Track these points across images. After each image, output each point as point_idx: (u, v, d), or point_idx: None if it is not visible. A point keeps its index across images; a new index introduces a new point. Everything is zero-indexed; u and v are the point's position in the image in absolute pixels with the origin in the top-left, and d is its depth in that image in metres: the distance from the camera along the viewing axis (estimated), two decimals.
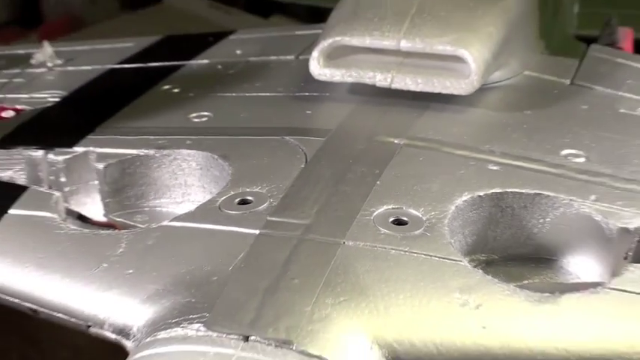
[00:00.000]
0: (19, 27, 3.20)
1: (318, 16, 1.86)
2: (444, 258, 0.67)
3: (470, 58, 0.86)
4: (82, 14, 3.19)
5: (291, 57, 1.03)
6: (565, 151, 0.81)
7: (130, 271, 0.69)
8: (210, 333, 0.60)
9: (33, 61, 1.08)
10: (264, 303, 0.62)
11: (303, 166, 0.79)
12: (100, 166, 0.85)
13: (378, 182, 0.76)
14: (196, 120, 0.91)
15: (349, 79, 0.90)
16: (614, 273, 0.68)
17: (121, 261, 0.71)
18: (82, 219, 0.83)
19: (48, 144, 0.87)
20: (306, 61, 0.91)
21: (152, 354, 0.61)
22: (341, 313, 0.62)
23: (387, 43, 0.89)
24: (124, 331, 0.67)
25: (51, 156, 0.86)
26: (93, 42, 1.17)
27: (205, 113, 0.92)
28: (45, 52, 1.07)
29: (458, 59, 0.87)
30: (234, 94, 0.96)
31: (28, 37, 2.54)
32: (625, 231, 0.71)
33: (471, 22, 0.90)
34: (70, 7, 3.27)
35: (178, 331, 0.61)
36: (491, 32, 0.90)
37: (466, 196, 0.74)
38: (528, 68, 0.96)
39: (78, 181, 0.86)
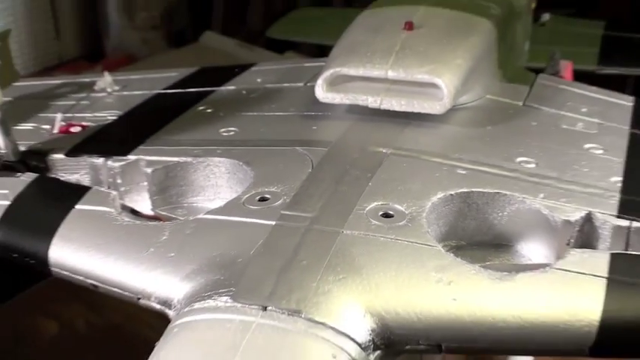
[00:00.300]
0: (87, 61, 3.22)
1: (322, 52, 1.87)
2: (422, 244, 0.67)
3: (443, 84, 0.86)
4: (136, 51, 3.20)
5: (300, 84, 1.03)
6: (519, 159, 0.81)
7: (172, 255, 0.69)
8: (235, 304, 0.60)
9: (96, 88, 1.08)
10: (279, 280, 0.62)
11: (310, 170, 0.78)
12: (149, 170, 0.84)
13: (369, 184, 0.75)
14: (225, 134, 0.90)
15: (347, 101, 0.90)
16: (559, 256, 0.68)
17: (164, 246, 0.70)
18: (134, 213, 0.83)
19: (107, 153, 0.87)
20: (313, 87, 0.91)
21: (189, 321, 0.60)
22: (340, 288, 0.62)
23: (377, 73, 0.88)
24: (166, 303, 0.66)
25: (109, 163, 0.86)
26: (143, 72, 1.17)
27: (232, 128, 0.91)
28: (105, 81, 1.07)
29: (433, 85, 0.87)
30: (255, 113, 0.96)
31: (93, 68, 2.55)
32: (567, 222, 0.71)
33: (443, 56, 0.90)
34: (126, 45, 3.29)
35: (210, 303, 0.61)
36: (460, 64, 0.90)
37: (440, 195, 0.74)
38: (489, 93, 0.96)
39: (131, 182, 0.86)
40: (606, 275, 0.63)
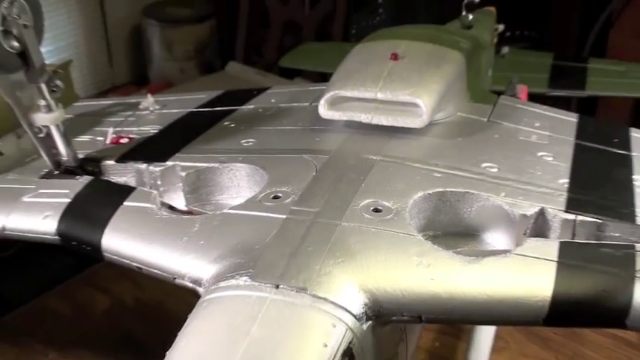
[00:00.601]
0: (135, 86, 3.23)
1: (323, 77, 1.86)
2: (406, 234, 0.66)
3: (422, 104, 0.85)
4: (174, 78, 3.21)
5: (306, 104, 1.02)
6: (484, 164, 0.80)
7: (202, 242, 0.68)
8: (253, 283, 0.59)
9: (141, 107, 1.07)
10: (289, 263, 0.61)
11: (314, 174, 0.77)
12: (183, 174, 0.83)
13: (363, 184, 0.74)
14: (245, 144, 0.89)
15: (344, 118, 0.89)
16: (517, 244, 0.67)
17: (196, 235, 0.69)
18: (171, 208, 0.82)
19: (149, 160, 0.86)
20: (316, 106, 0.90)
21: (216, 296, 0.60)
22: (339, 269, 0.61)
23: (369, 95, 0.88)
24: (197, 281, 0.66)
25: (151, 167, 0.85)
26: (179, 94, 1.16)
27: (251, 140, 0.90)
28: (148, 101, 1.07)
29: (414, 105, 0.86)
30: (269, 127, 0.95)
31: (139, 92, 2.56)
32: (524, 216, 0.70)
33: (423, 81, 0.89)
34: (166, 74, 3.30)
35: (233, 282, 0.60)
36: (436, 87, 0.89)
37: (420, 194, 0.73)
38: (460, 111, 0.95)
39: (169, 183, 0.85)
40: (556, 259, 0.62)
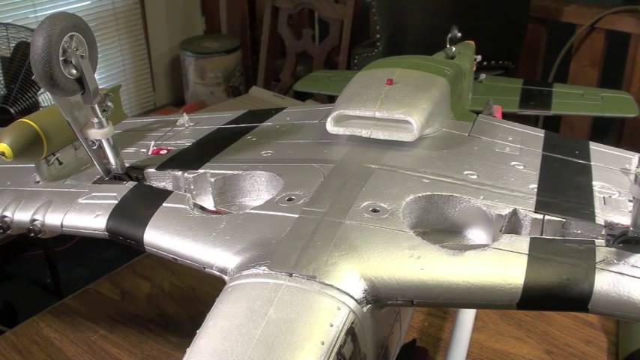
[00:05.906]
0: (173, 106, 3.24)
1: (331, 99, 1.86)
2: (399, 230, 0.65)
3: (413, 121, 0.84)
4: (206, 100, 3.21)
5: (316, 121, 1.01)
6: (465, 172, 0.79)
7: (227, 237, 0.68)
8: (270, 271, 0.58)
9: (177, 124, 1.06)
10: (301, 255, 0.60)
11: (322, 180, 0.77)
12: (212, 180, 0.83)
13: (363, 189, 0.74)
14: (264, 155, 0.89)
15: (347, 133, 0.88)
16: (494, 239, 0.66)
17: (222, 232, 0.69)
18: (202, 209, 0.82)
19: (184, 168, 0.86)
20: (324, 123, 0.89)
21: (239, 283, 0.59)
22: (343, 260, 0.60)
23: (368, 113, 0.87)
24: (223, 270, 0.65)
25: (185, 174, 0.84)
26: (210, 113, 1.15)
27: (269, 151, 0.90)
28: (184, 119, 1.06)
29: (407, 122, 0.85)
30: (285, 141, 0.94)
31: (177, 111, 2.57)
32: (500, 216, 0.69)
33: (414, 102, 0.88)
34: (199, 96, 3.30)
35: (253, 271, 0.59)
36: (425, 107, 0.88)
37: (411, 197, 0.72)
38: (445, 127, 0.94)
39: (200, 188, 0.84)
40: (527, 252, 0.61)
